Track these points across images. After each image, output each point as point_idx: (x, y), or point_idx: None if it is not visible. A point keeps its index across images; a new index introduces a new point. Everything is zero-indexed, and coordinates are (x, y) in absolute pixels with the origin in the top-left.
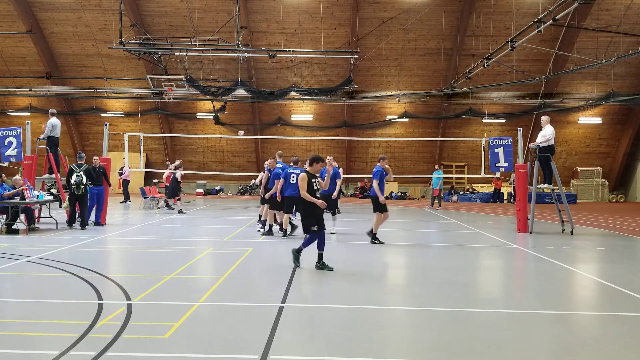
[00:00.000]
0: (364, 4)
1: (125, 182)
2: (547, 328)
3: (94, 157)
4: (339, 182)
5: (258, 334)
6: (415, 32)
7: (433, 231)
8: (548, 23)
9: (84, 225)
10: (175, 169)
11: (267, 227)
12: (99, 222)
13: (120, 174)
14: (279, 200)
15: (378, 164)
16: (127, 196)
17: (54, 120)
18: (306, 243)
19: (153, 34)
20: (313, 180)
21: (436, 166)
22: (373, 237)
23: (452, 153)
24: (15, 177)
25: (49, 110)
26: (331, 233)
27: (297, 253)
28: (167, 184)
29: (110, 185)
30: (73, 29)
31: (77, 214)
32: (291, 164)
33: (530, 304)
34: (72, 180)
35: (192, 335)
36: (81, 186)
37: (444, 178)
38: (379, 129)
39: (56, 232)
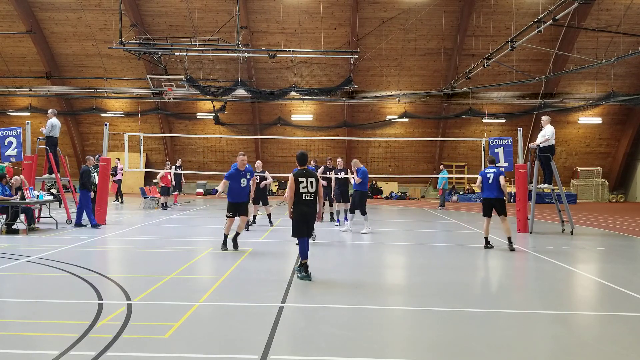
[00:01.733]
0: (364, 4)
1: (119, 183)
2: (547, 328)
3: (89, 157)
4: (358, 179)
5: (258, 334)
6: (415, 32)
7: (433, 231)
8: (548, 23)
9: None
10: (176, 169)
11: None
12: (80, 223)
13: (114, 174)
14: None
15: (493, 165)
16: (120, 196)
17: (54, 120)
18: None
19: (153, 34)
20: (301, 180)
21: (441, 166)
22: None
23: (452, 153)
24: (14, 177)
25: (49, 110)
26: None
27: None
28: (163, 185)
29: (93, 191)
30: (73, 29)
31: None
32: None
33: (530, 304)
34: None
35: (192, 335)
36: (92, 186)
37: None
38: (379, 129)
39: (56, 232)
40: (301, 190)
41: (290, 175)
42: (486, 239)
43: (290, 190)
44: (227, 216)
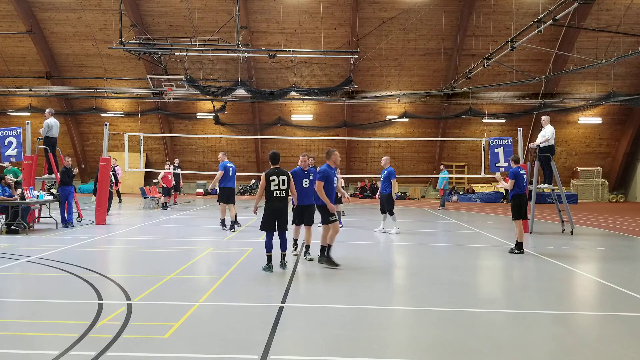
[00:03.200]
0: (364, 4)
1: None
2: (547, 328)
3: (66, 158)
4: (394, 181)
5: (258, 334)
6: (415, 32)
7: (433, 231)
8: (548, 23)
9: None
10: (174, 168)
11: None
12: (70, 222)
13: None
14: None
15: (517, 166)
16: (119, 197)
17: (50, 121)
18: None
19: (153, 34)
20: (272, 178)
21: (441, 166)
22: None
23: (452, 153)
24: (7, 177)
25: (47, 110)
26: (391, 233)
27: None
28: (164, 185)
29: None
30: (73, 29)
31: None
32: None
33: (530, 304)
34: None
35: (192, 335)
36: (110, 183)
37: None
38: (379, 129)
39: (56, 232)
40: (272, 187)
41: (262, 174)
42: (522, 244)
43: (260, 187)
44: (293, 222)
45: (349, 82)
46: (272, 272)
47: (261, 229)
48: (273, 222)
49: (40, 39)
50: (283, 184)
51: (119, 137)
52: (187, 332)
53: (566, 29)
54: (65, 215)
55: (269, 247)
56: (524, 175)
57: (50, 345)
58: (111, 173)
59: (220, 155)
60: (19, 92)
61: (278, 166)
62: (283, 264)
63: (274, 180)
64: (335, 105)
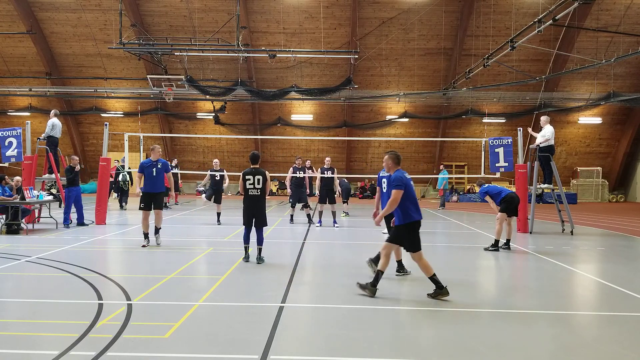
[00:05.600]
0: (364, 4)
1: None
2: (547, 328)
3: (73, 157)
4: None
5: (258, 334)
6: (415, 32)
7: (433, 231)
8: (548, 23)
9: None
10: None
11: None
12: (82, 222)
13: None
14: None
15: (481, 186)
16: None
17: (54, 120)
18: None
19: (153, 34)
20: (248, 177)
21: (441, 166)
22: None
23: (452, 153)
24: (15, 178)
25: (52, 111)
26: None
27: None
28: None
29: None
30: (73, 29)
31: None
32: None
33: (530, 304)
34: (120, 178)
35: (192, 335)
36: (127, 182)
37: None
38: (379, 129)
39: (56, 232)
40: (247, 186)
41: (241, 174)
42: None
43: (240, 187)
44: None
45: (349, 82)
46: (247, 261)
47: (243, 224)
48: (250, 218)
49: (40, 39)
50: (258, 183)
51: (119, 137)
52: (187, 332)
53: (566, 29)
54: (71, 216)
55: (245, 239)
56: (495, 186)
57: (50, 345)
58: (126, 173)
59: (158, 148)
60: (19, 92)
61: (257, 166)
62: (259, 258)
63: (249, 179)
64: (335, 105)
